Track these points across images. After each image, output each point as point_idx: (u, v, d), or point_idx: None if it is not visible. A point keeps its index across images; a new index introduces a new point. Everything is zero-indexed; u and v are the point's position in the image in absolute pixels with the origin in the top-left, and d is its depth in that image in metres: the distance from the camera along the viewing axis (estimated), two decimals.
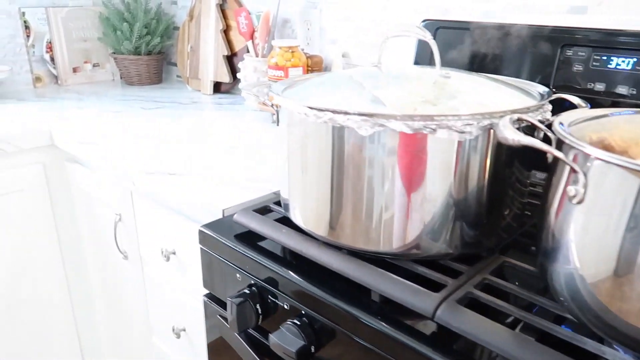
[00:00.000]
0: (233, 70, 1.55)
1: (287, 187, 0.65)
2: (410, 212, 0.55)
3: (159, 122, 1.25)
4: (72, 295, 1.34)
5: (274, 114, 0.67)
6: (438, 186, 0.54)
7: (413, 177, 0.54)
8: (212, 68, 1.56)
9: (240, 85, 1.37)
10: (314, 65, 1.26)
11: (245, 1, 1.49)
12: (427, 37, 0.62)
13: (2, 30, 1.57)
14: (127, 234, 1.08)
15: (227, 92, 1.61)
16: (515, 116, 0.49)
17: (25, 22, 1.61)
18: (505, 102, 0.58)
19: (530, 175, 0.61)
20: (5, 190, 1.17)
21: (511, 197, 0.58)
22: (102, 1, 1.70)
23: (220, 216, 0.78)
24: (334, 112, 0.53)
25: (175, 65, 1.84)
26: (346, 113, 0.52)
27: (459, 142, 0.52)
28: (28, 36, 1.62)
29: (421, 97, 0.55)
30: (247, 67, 1.33)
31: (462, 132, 0.51)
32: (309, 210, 0.62)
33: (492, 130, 0.52)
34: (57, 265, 1.30)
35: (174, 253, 0.95)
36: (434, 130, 0.50)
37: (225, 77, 1.54)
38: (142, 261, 1.08)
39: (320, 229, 0.61)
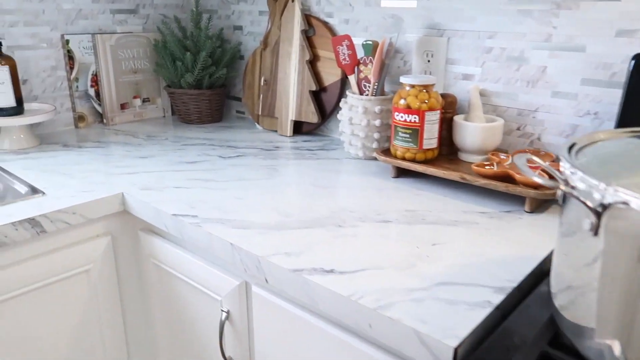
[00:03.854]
0: (321, 109, 1.29)
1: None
2: None
3: (255, 179, 0.99)
4: None
5: (592, 221, 0.41)
6: None
7: None
8: (294, 105, 1.31)
9: (341, 127, 1.12)
10: (447, 107, 1.01)
11: (340, 29, 1.25)
12: None
13: (42, 61, 1.32)
14: (237, 337, 0.81)
15: (309, 132, 1.35)
16: None
17: (68, 51, 1.35)
18: None
19: None
20: (68, 273, 0.90)
21: None
22: (157, 26, 1.45)
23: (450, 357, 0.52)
24: None
25: (235, 99, 1.58)
26: None
27: None
28: (71, 68, 1.37)
29: None
30: (354, 107, 1.08)
31: None
32: None
33: None
34: None
35: None
36: None
37: (312, 117, 1.29)
38: None
39: None
